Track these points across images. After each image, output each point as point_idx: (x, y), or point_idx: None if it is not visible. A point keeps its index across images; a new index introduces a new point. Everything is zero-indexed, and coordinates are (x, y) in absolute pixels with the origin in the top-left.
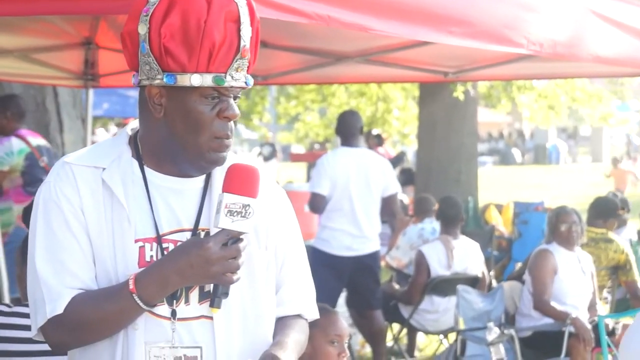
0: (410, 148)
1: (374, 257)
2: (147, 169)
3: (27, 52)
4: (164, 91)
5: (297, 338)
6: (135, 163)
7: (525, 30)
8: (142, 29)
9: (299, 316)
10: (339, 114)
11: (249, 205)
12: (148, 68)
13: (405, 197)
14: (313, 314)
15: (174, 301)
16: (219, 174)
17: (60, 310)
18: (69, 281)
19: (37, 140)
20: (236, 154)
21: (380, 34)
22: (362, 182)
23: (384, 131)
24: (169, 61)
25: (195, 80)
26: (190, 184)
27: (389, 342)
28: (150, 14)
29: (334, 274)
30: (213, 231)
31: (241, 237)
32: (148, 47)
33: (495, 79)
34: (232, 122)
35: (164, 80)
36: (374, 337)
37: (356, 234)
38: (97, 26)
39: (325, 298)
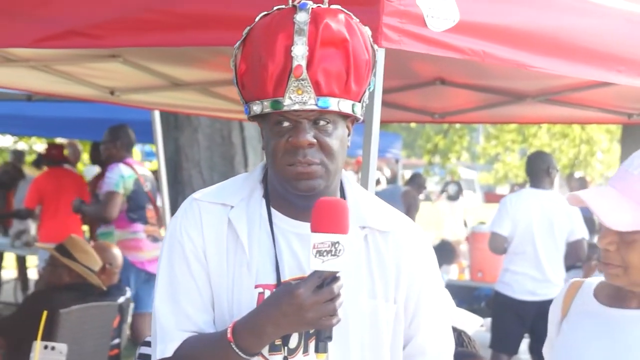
0: None
1: None
2: (273, 211)
3: (206, 85)
4: (259, 122)
5: None
6: (264, 203)
7: None
8: (232, 62)
9: None
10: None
11: (338, 242)
12: (240, 99)
13: None
14: None
15: (286, 348)
16: (350, 221)
17: (169, 353)
18: (183, 323)
19: (142, 170)
20: (354, 186)
21: (545, 72)
22: (546, 225)
23: (586, 174)
24: (244, 92)
25: (255, 108)
26: None
27: None
28: (236, 47)
29: (516, 319)
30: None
31: (337, 275)
32: (235, 79)
33: None
34: (308, 149)
35: (245, 111)
36: None
37: (539, 279)
38: None
39: (507, 343)
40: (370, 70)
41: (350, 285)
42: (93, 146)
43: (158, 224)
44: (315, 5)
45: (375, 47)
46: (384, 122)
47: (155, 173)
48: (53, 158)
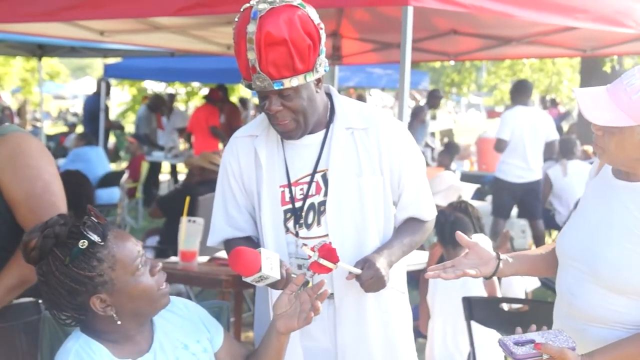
0: (576, 108)
1: (537, 183)
2: None
3: None
4: None
5: (405, 241)
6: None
7: (634, 15)
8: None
9: (416, 219)
10: (514, 83)
11: (260, 276)
12: None
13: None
14: (430, 215)
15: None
16: (337, 126)
17: (213, 243)
18: (230, 221)
19: None
20: None
21: (526, 20)
22: (532, 131)
23: (557, 96)
24: None
25: (243, 83)
26: (313, 138)
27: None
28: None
29: (509, 194)
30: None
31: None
32: None
33: (623, 54)
34: (278, 113)
35: None
36: (537, 239)
37: (525, 167)
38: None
39: (503, 211)
40: (317, 45)
41: (341, 169)
42: (217, 87)
43: None
44: (266, 8)
45: (321, 25)
46: (414, 62)
47: None
48: (212, 97)
